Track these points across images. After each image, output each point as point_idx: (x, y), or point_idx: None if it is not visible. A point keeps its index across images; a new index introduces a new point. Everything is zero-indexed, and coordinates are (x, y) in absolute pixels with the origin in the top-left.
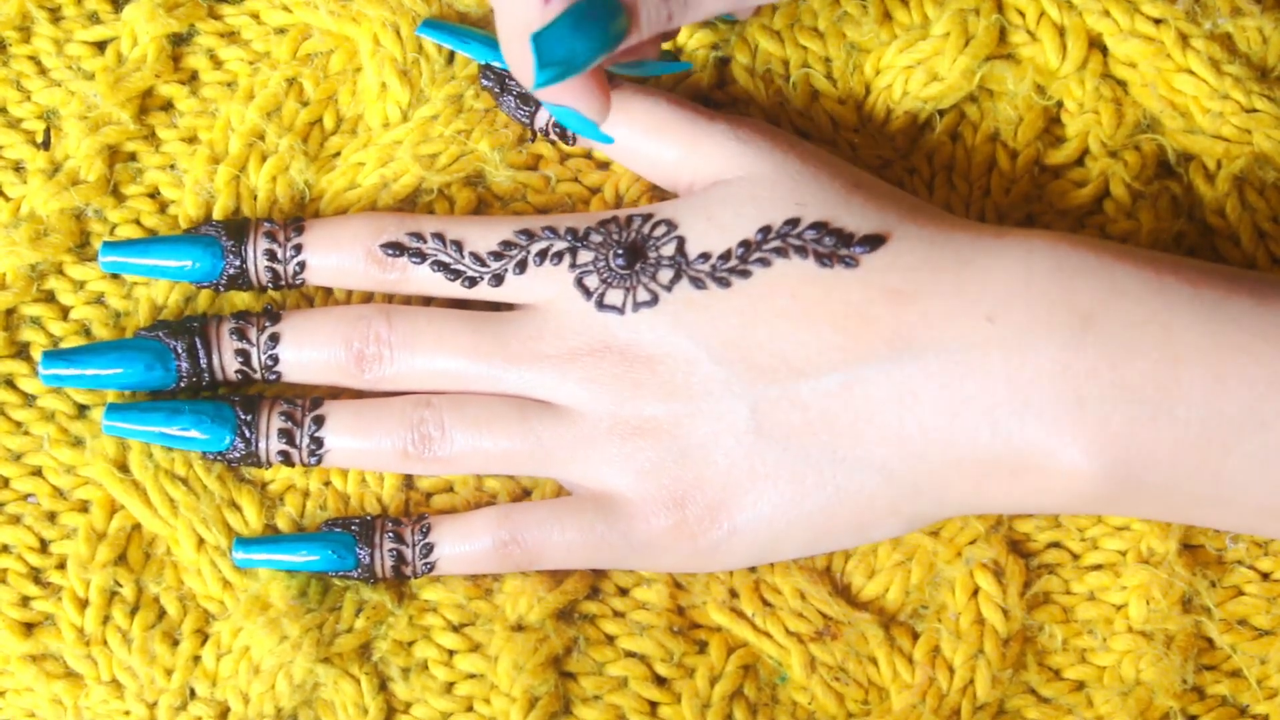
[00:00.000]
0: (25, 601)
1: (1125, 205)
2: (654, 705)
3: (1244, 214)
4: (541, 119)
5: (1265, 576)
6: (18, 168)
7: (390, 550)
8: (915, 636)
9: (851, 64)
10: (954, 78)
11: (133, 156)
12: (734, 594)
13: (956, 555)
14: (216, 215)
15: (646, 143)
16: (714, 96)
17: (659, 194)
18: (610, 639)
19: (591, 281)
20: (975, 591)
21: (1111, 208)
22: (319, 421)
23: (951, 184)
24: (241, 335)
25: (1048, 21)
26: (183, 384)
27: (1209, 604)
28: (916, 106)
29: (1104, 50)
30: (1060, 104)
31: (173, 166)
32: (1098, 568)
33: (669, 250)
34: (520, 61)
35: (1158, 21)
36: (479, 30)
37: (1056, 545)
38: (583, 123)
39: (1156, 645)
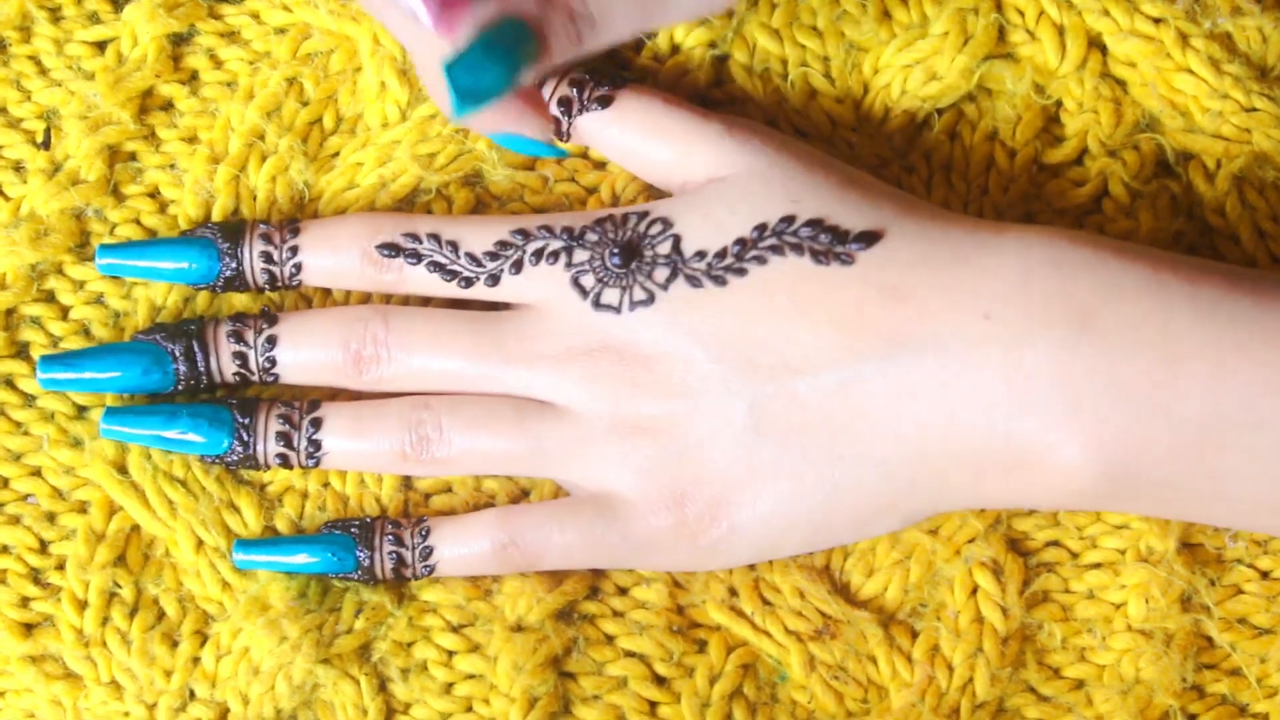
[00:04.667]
0: (24, 602)
1: (1124, 204)
2: (653, 705)
3: (1244, 213)
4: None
5: (1265, 575)
6: (18, 167)
7: (390, 553)
8: (914, 635)
9: (850, 63)
10: (952, 77)
11: (133, 156)
12: (733, 593)
13: (955, 553)
14: (216, 215)
15: (641, 143)
16: (711, 95)
17: (655, 194)
18: (610, 639)
19: (588, 281)
20: (974, 590)
21: (1110, 207)
22: (317, 424)
23: (949, 183)
24: (239, 338)
25: (1047, 21)
26: (180, 387)
27: (1208, 602)
28: (915, 105)
29: (1103, 49)
30: (1059, 103)
31: (173, 166)
32: (1097, 566)
33: (665, 249)
34: (438, 95)
35: (1157, 21)
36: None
37: (1055, 544)
38: (529, 144)
39: (1156, 644)
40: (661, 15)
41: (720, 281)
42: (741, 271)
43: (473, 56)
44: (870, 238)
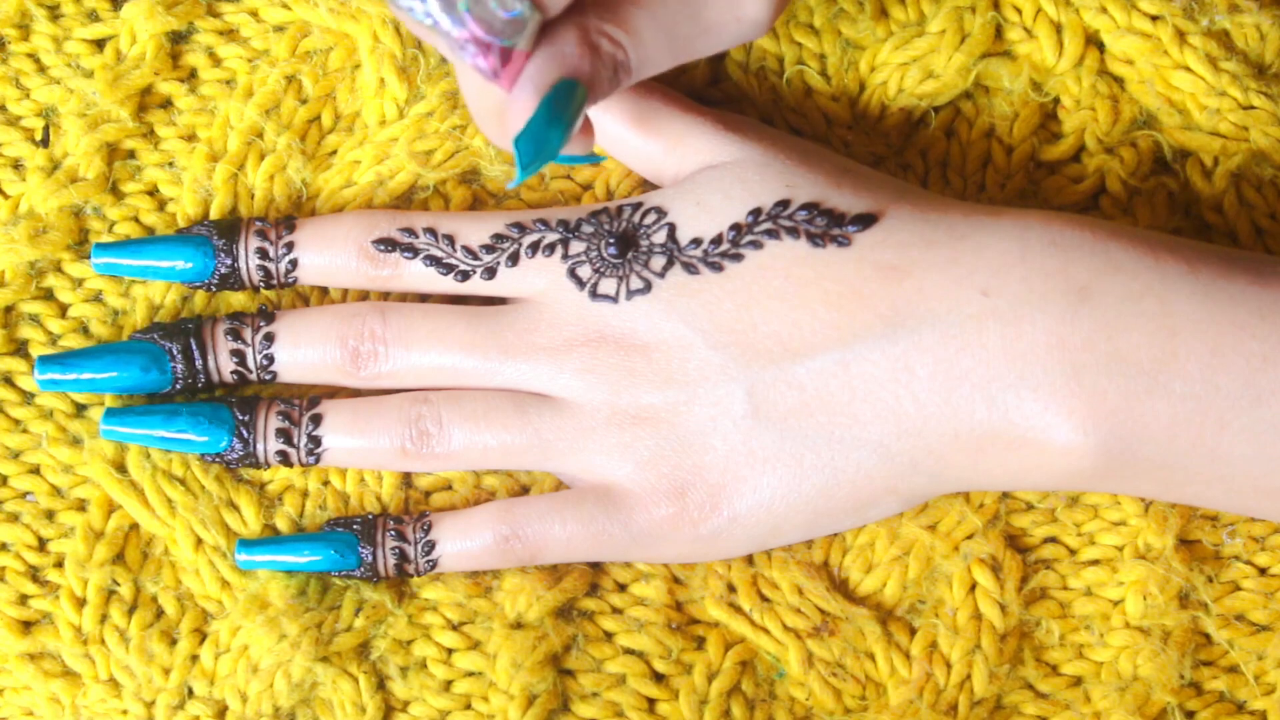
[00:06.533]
0: (23, 600)
1: (1121, 201)
2: (652, 702)
3: (1241, 210)
4: None
5: (1262, 571)
6: (17, 165)
7: (393, 549)
8: (912, 632)
9: (846, 61)
10: (949, 75)
11: (131, 154)
12: (732, 589)
13: (954, 550)
14: (214, 213)
15: (634, 134)
16: (708, 94)
17: (650, 189)
18: (609, 636)
19: (584, 272)
20: (973, 586)
21: (1108, 204)
22: (316, 420)
23: (946, 179)
24: (236, 335)
25: (1044, 18)
26: (178, 386)
27: (1206, 599)
28: (911, 103)
29: (1101, 47)
30: (1057, 100)
31: (171, 164)
32: (1095, 563)
33: (660, 237)
34: (485, 124)
35: (1155, 18)
36: None
37: (1053, 540)
38: (572, 159)
39: (1154, 640)
40: (689, 54)
41: (717, 268)
42: (738, 257)
43: (534, 127)
44: (867, 220)
